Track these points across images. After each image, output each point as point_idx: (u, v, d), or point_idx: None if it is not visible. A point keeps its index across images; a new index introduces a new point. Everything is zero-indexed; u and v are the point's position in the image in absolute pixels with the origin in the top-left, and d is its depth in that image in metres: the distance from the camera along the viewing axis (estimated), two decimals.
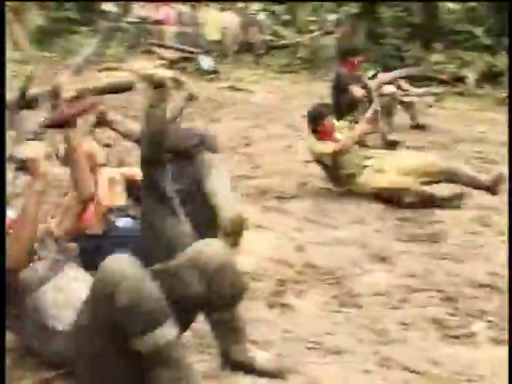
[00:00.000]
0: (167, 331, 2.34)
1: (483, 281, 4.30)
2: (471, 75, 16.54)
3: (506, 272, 4.45)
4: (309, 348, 3.28)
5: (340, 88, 7.88)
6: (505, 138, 9.83)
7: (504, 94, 15.91)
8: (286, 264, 4.53)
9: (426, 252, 4.88)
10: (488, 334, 3.61)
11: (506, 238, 5.22)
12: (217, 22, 17.57)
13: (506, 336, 3.56)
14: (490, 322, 3.74)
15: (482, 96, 15.81)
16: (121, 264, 2.39)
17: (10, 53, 12.71)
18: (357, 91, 7.66)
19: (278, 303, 3.86)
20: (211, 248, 2.83)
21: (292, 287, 4.13)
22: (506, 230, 5.32)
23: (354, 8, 19.82)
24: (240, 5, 20.30)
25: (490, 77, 16.69)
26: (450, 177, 5.92)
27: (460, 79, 16.63)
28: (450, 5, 20.76)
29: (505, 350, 3.43)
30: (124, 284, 2.29)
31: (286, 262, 4.59)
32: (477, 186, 5.92)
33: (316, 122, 6.03)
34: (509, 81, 11.23)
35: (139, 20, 16.55)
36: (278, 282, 4.18)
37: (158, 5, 17.03)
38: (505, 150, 8.57)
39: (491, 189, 5.85)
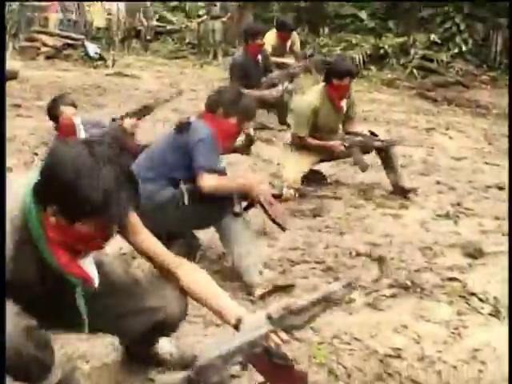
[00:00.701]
0: None
1: (362, 251, 4.42)
2: (358, 57, 16.82)
3: (383, 241, 4.62)
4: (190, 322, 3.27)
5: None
6: (389, 116, 10.17)
7: (389, 75, 16.36)
8: None
9: (309, 226, 4.97)
10: (364, 299, 3.73)
11: (385, 210, 5.40)
12: (102, 9, 17.30)
13: (382, 302, 3.70)
14: (365, 288, 3.85)
15: (369, 77, 16.12)
16: None
17: None
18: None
19: None
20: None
21: None
22: (385, 202, 5.52)
23: None
24: None
25: (375, 59, 17.02)
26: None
27: None
28: None
29: (381, 314, 3.57)
30: None
31: None
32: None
33: None
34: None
35: (22, 7, 16.11)
36: None
37: None
38: (390, 127, 8.86)
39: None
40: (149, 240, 2.46)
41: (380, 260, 4.25)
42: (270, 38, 8.87)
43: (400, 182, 5.76)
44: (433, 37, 16.66)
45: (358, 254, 4.38)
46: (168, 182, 3.85)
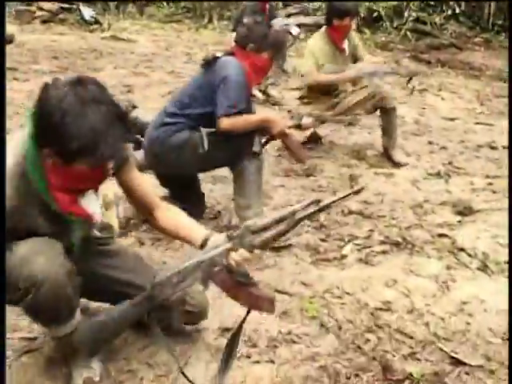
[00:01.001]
0: None
1: (354, 208, 4.44)
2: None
3: (375, 199, 4.64)
4: None
5: None
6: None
7: (383, 38, 16.28)
8: None
9: (302, 185, 4.99)
10: (356, 255, 3.77)
11: (378, 170, 5.41)
12: None
13: (374, 258, 3.74)
14: (358, 245, 3.90)
15: (363, 40, 15.98)
16: None
17: None
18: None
19: None
20: None
21: None
22: (378, 162, 5.53)
23: None
24: None
25: (369, 21, 16.92)
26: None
27: None
28: None
29: (372, 269, 3.61)
30: None
31: None
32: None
33: None
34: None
35: None
36: None
37: None
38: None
39: None
40: (139, 178, 2.53)
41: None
42: None
43: (391, 151, 5.71)
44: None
45: (350, 212, 4.40)
46: (187, 124, 3.79)
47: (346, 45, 5.66)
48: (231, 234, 2.22)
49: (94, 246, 2.61)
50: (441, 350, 2.80)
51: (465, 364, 2.70)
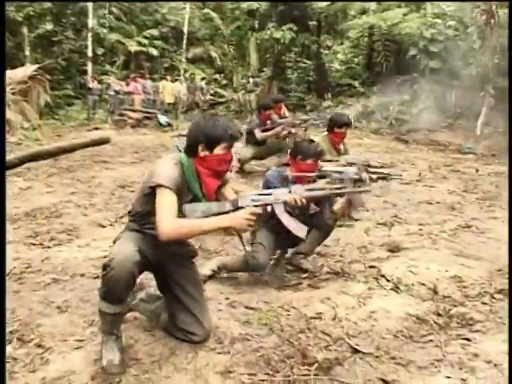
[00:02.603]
0: None
1: (315, 250, 4.62)
2: (352, 114, 17.06)
3: (332, 243, 4.73)
4: None
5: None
6: (364, 155, 10.31)
7: (375, 125, 16.56)
8: None
9: None
10: (307, 282, 3.96)
11: (343, 223, 5.47)
12: (171, 90, 17.89)
13: (319, 284, 3.92)
14: (311, 274, 4.10)
15: (360, 128, 16.31)
16: None
17: (20, 123, 12.86)
18: (257, 133, 7.74)
19: None
20: None
21: None
22: (344, 219, 5.62)
23: (268, 72, 20.36)
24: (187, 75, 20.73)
25: (365, 114, 17.24)
26: None
27: None
28: (337, 66, 21.38)
29: (315, 291, 3.75)
30: None
31: None
32: None
33: None
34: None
35: (115, 92, 16.71)
36: None
37: (128, 81, 17.30)
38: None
39: None
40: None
41: None
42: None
43: (352, 213, 5.65)
44: (405, 97, 16.85)
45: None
46: None
47: (341, 146, 5.67)
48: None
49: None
50: (347, 343, 2.95)
51: (360, 352, 2.87)
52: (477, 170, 8.84)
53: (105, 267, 2.52)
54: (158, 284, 3.00)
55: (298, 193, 3.05)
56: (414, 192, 7.13)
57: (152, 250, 2.68)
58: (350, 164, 5.24)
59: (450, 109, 16.33)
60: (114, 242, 2.74)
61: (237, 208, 2.71)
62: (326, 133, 5.68)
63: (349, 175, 3.85)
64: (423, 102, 16.48)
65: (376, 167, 5.09)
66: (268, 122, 7.96)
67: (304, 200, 3.05)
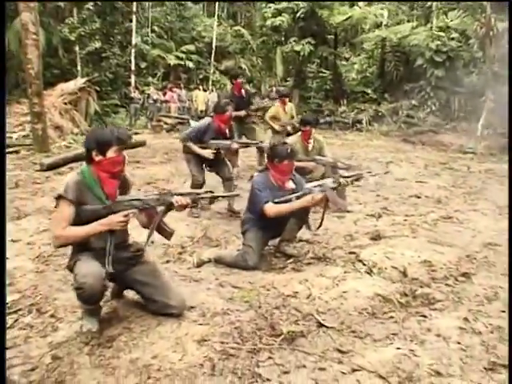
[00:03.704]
0: None
1: (304, 238, 4.63)
2: (365, 119, 16.96)
3: (322, 232, 4.67)
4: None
5: None
6: (369, 155, 10.27)
7: (385, 128, 16.38)
8: None
9: None
10: (291, 266, 3.98)
11: (335, 214, 5.50)
12: (203, 98, 18.05)
13: (301, 267, 3.95)
14: (295, 259, 4.13)
15: (372, 131, 16.18)
16: None
17: (71, 129, 13.14)
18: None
19: None
20: None
21: None
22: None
23: (291, 82, 20.34)
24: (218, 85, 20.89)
25: (376, 119, 17.08)
26: None
27: (358, 121, 17.08)
28: (353, 75, 21.19)
29: (296, 274, 3.76)
30: None
31: None
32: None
33: None
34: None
35: (154, 101, 16.95)
36: None
37: (165, 91, 17.54)
38: (363, 162, 8.99)
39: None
40: None
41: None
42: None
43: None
44: (413, 102, 16.64)
45: (301, 240, 4.51)
46: None
47: (310, 142, 5.75)
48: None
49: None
50: (315, 319, 2.99)
51: (325, 326, 2.91)
52: (468, 168, 8.69)
53: (78, 288, 2.65)
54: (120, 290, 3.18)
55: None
56: (406, 187, 7.07)
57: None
58: (322, 164, 5.32)
59: (453, 113, 16.03)
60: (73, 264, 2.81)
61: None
62: (299, 133, 5.86)
63: (328, 185, 3.87)
64: (429, 106, 16.23)
65: (342, 168, 5.17)
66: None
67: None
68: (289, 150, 3.92)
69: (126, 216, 2.69)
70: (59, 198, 2.64)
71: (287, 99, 8.02)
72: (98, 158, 2.69)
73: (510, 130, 8.75)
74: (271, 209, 3.76)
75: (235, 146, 5.63)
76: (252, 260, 3.85)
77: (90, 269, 2.63)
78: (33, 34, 9.68)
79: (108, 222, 2.67)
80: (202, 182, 5.43)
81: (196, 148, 5.40)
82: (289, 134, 7.39)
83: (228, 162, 5.72)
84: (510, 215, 4.94)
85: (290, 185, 3.99)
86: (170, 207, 2.82)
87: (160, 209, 2.85)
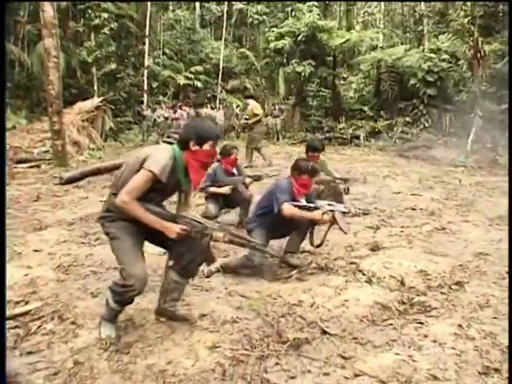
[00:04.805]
0: None
1: (307, 249, 4.63)
2: (362, 134, 16.98)
3: (324, 244, 4.66)
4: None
5: None
6: (367, 169, 10.25)
7: (382, 144, 16.38)
8: None
9: None
10: (296, 276, 3.96)
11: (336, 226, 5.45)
12: (210, 116, 18.14)
13: (305, 277, 3.95)
14: (300, 269, 4.12)
15: (369, 146, 16.18)
16: None
17: (88, 144, 13.21)
18: None
19: None
20: None
21: None
22: None
23: (293, 100, 20.43)
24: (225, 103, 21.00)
25: (373, 134, 17.10)
26: None
27: (356, 137, 17.10)
28: (351, 94, 21.26)
29: (300, 283, 3.76)
30: None
31: None
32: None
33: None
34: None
35: (165, 118, 17.03)
36: None
37: (175, 109, 17.60)
38: (362, 176, 8.97)
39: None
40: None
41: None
42: None
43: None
44: (407, 119, 16.68)
45: (304, 252, 4.49)
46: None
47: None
48: None
49: None
50: (319, 326, 2.99)
51: (328, 333, 2.91)
52: (460, 181, 8.68)
53: (124, 286, 2.65)
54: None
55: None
56: (402, 200, 7.05)
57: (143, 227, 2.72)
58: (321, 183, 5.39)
59: (445, 129, 16.03)
60: (103, 219, 2.85)
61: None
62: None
63: (339, 209, 3.92)
64: (422, 123, 16.26)
65: (339, 183, 5.25)
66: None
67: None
68: (309, 167, 3.94)
69: (183, 230, 2.69)
70: (147, 170, 2.60)
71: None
72: (194, 147, 2.71)
73: (510, 142, 8.69)
74: (289, 209, 3.76)
75: (248, 180, 5.64)
76: (257, 260, 3.82)
77: (137, 268, 2.64)
78: (54, 58, 9.80)
79: (167, 226, 2.66)
80: (215, 215, 5.39)
81: (214, 189, 5.45)
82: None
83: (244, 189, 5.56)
84: (510, 225, 4.91)
85: (303, 202, 3.98)
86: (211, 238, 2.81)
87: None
